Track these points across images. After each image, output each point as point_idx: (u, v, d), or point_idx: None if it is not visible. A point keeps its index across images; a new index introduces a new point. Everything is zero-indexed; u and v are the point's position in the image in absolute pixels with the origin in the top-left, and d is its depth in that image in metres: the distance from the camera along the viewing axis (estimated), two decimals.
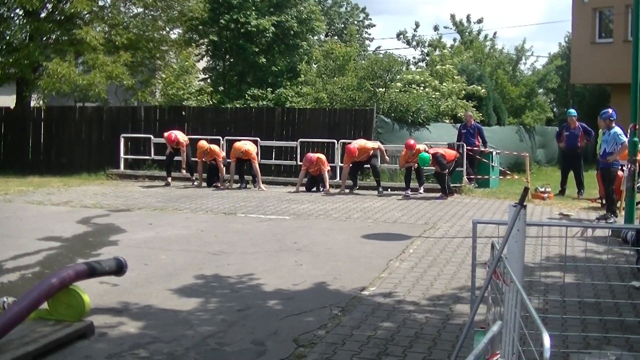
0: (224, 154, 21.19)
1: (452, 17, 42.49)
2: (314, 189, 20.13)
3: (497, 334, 4.37)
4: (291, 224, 14.39)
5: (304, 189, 20.08)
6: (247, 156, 20.18)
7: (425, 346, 6.97)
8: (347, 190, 19.61)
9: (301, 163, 20.38)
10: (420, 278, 9.78)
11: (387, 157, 20.33)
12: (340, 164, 20.95)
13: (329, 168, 20.31)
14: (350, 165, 19.62)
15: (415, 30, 43.74)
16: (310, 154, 19.97)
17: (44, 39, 26.03)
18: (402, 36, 43.50)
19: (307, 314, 8.08)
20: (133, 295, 8.84)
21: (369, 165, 19.93)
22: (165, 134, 21.26)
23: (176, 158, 21.58)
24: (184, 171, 21.28)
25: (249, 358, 6.72)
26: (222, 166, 20.79)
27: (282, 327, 7.59)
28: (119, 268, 8.17)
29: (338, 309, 8.27)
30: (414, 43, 43.22)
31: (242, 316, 7.99)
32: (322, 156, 20.11)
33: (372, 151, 19.57)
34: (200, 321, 7.80)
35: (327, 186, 19.82)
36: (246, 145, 20.30)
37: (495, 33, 58.10)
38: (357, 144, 19.54)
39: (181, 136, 21.30)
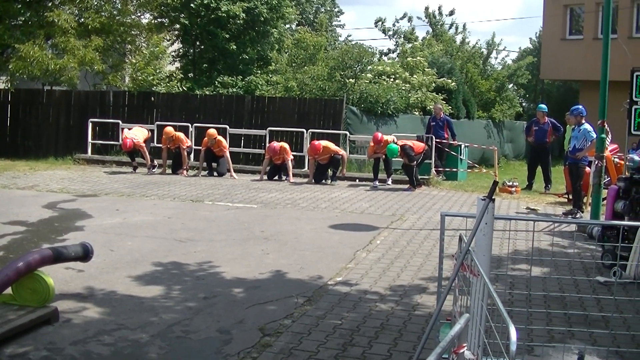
0: (189, 142, 21.07)
1: (426, 9, 42.62)
2: (276, 177, 20.08)
3: (464, 327, 4.38)
4: (259, 213, 14.36)
5: (267, 177, 20.03)
6: (218, 147, 20.11)
7: (390, 337, 6.99)
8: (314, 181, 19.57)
9: None
10: (387, 269, 9.81)
11: (344, 171, 20.22)
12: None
13: (292, 157, 20.25)
14: (315, 164, 19.61)
15: (397, 21, 43.77)
16: (274, 144, 19.83)
17: (13, 21, 25.64)
18: (380, 23, 43.33)
19: (273, 303, 8.07)
20: (98, 281, 8.78)
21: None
22: (122, 138, 20.89)
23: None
24: (151, 168, 20.95)
25: (214, 346, 6.70)
26: (186, 154, 20.69)
27: (248, 315, 7.58)
28: (85, 254, 8.13)
29: (304, 298, 8.27)
30: (391, 33, 43.13)
31: (208, 304, 7.96)
32: (286, 145, 20.00)
33: (334, 153, 19.47)
34: (166, 308, 7.76)
35: (291, 176, 19.79)
36: (217, 135, 20.23)
37: (464, 24, 58.03)
38: (324, 143, 19.50)
39: (141, 135, 20.79)
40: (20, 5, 25.39)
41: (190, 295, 8.30)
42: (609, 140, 14.55)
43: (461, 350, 4.25)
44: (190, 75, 31.56)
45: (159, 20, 29.98)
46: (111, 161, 22.85)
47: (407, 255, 10.72)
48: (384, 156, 19.26)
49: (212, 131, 20.29)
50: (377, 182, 19.26)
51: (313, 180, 19.44)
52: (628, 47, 22.63)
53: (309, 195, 16.98)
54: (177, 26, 31.34)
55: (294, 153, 20.67)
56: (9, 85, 26.82)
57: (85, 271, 9.10)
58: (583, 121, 15.61)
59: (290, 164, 19.85)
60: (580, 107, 16.15)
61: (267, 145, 20.53)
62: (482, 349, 4.27)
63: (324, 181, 19.50)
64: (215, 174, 20.43)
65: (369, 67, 27.96)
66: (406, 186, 18.82)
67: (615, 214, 10.70)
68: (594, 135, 14.61)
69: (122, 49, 28.66)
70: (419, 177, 19.29)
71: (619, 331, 7.13)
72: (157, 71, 28.68)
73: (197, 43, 32.24)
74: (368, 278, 9.29)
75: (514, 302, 8.15)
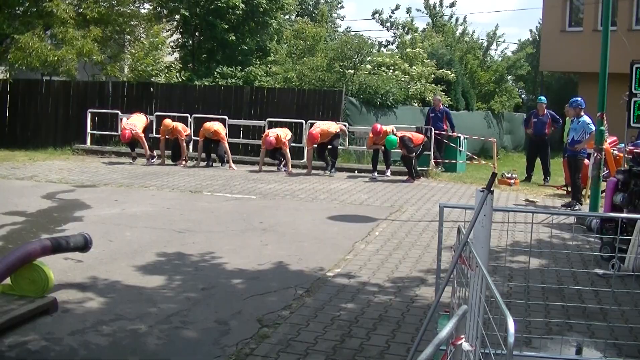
0: (188, 131, 21.01)
1: (426, 0, 42.30)
2: (277, 162, 20.07)
3: (462, 318, 4.39)
4: (257, 204, 14.36)
5: (265, 167, 19.93)
6: (216, 136, 20.07)
7: (389, 328, 7.00)
8: (314, 172, 19.48)
9: None
10: (386, 261, 9.81)
11: (346, 141, 20.08)
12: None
13: (289, 144, 20.05)
14: (315, 146, 19.54)
15: (393, 12, 43.46)
16: (269, 137, 19.34)
17: (12, 10, 25.56)
18: (377, 15, 43.08)
19: (272, 294, 8.08)
20: (97, 271, 8.78)
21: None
22: (121, 128, 20.90)
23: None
24: (150, 159, 20.93)
25: (212, 337, 6.70)
26: (184, 145, 20.65)
27: (246, 307, 7.58)
28: (84, 244, 8.13)
29: (302, 289, 8.27)
30: (388, 24, 42.89)
31: (206, 295, 7.97)
32: (281, 133, 19.65)
33: (334, 134, 19.45)
34: (164, 299, 7.77)
35: (290, 166, 19.71)
36: (215, 125, 20.14)
37: (465, 17, 57.90)
38: (319, 128, 19.34)
39: (139, 123, 20.82)
40: None
41: (188, 286, 8.31)
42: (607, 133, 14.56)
43: (459, 342, 4.25)
44: (190, 65, 31.51)
45: (158, 10, 29.91)
46: (110, 152, 22.83)
47: (406, 247, 10.72)
48: (383, 147, 19.23)
49: (209, 125, 20.15)
50: (376, 174, 19.24)
51: (313, 172, 19.42)
52: (627, 40, 22.59)
53: (307, 187, 16.98)
54: (177, 17, 31.28)
55: (293, 144, 20.55)
56: (8, 76, 26.74)
57: (84, 262, 9.10)
58: (582, 113, 15.60)
59: (288, 154, 19.71)
60: (580, 99, 16.14)
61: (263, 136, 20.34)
62: (480, 340, 4.27)
63: (322, 172, 19.48)
64: (212, 164, 20.38)
65: (368, 58, 27.95)
66: (405, 177, 18.81)
67: (614, 206, 10.70)
68: (593, 128, 14.61)
69: (121, 39, 28.60)
70: (418, 168, 19.29)
71: (617, 324, 7.14)
72: (156, 62, 28.64)
73: (197, 34, 32.17)
74: (366, 269, 9.30)
75: (512, 294, 8.17)
